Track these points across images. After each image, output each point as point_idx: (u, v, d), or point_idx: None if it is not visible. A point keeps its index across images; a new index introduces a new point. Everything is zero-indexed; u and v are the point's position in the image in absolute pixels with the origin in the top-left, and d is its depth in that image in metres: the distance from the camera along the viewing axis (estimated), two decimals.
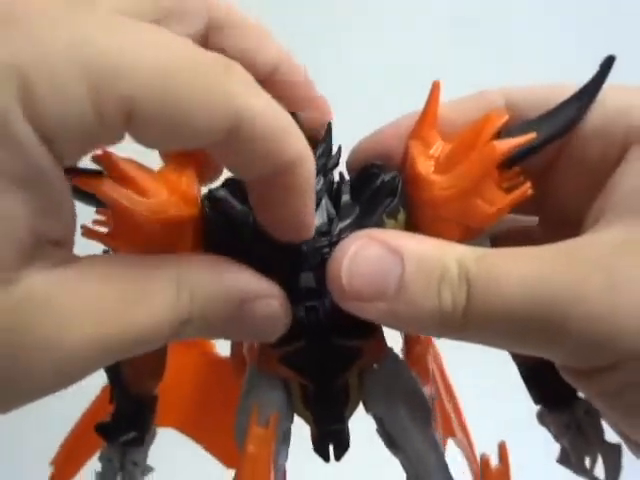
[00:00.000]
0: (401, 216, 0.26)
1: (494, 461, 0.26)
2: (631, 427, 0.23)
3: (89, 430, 0.32)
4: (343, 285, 0.23)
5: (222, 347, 0.39)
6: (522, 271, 0.22)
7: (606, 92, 0.26)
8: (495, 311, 0.22)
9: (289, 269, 0.25)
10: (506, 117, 0.26)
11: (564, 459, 0.33)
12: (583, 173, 0.27)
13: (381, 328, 0.29)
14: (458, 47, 0.64)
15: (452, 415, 0.36)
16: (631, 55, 0.27)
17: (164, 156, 0.28)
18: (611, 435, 0.29)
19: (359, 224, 0.26)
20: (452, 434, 0.37)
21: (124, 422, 0.30)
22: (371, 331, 0.28)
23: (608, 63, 0.26)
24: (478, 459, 0.28)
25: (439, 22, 0.65)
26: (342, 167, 0.29)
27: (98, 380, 0.31)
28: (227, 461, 0.39)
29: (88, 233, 0.26)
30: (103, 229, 0.26)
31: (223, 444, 0.38)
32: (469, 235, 0.27)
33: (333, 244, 0.25)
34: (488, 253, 0.23)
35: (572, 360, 0.23)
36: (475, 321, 0.22)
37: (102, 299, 0.20)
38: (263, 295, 0.24)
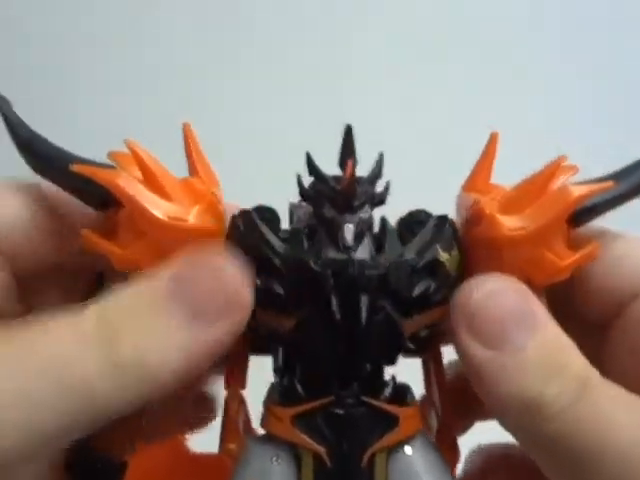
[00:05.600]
0: (455, 253, 0.23)
1: None
2: None
3: None
4: (465, 315, 0.21)
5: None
6: None
7: None
8: (600, 433, 0.20)
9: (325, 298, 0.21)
10: (577, 167, 0.24)
11: None
12: None
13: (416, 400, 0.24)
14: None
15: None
16: None
17: (191, 168, 0.24)
18: None
19: (411, 254, 0.23)
20: None
21: None
22: (410, 397, 0.24)
23: None
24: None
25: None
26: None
27: None
28: None
29: (91, 243, 0.22)
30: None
31: None
32: None
33: (380, 267, 0.22)
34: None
35: None
36: (568, 427, 0.20)
37: None
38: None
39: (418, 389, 0.26)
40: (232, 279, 0.21)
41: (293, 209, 0.26)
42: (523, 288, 0.22)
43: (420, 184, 0.55)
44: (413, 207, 0.25)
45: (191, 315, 0.20)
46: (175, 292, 0.20)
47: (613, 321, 0.24)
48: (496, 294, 0.21)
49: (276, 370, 0.25)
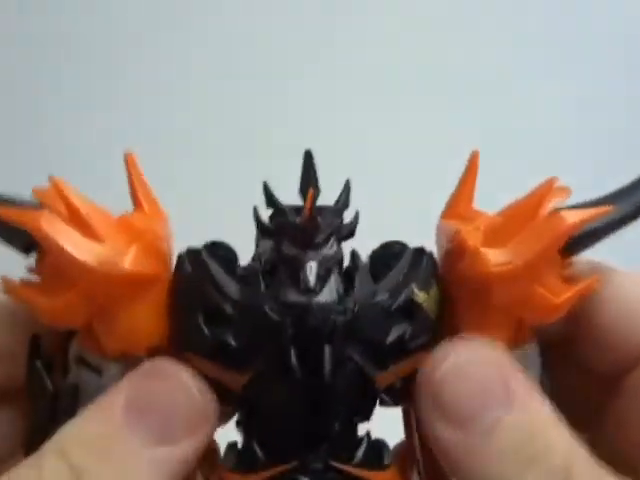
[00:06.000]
0: (433, 291, 0.20)
1: None
2: None
3: None
4: (430, 389, 0.19)
5: None
6: None
7: None
8: None
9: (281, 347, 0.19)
10: (569, 190, 0.21)
11: None
12: None
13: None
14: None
15: None
16: None
17: (134, 202, 0.22)
18: None
19: (383, 294, 0.20)
20: None
21: None
22: (387, 455, 0.21)
23: None
24: None
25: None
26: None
27: None
28: None
29: (12, 292, 0.19)
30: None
31: None
32: (520, 335, 0.20)
33: (347, 311, 0.19)
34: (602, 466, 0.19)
35: None
36: None
37: None
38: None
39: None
40: (193, 395, 0.19)
41: (259, 241, 0.23)
42: (497, 356, 0.19)
43: (404, 207, 0.53)
44: (393, 236, 0.22)
45: (154, 440, 0.18)
46: (133, 419, 0.18)
47: (627, 373, 0.21)
48: (464, 366, 0.19)
49: (239, 422, 0.22)
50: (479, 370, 0.19)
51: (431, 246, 0.22)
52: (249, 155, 0.58)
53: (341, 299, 0.19)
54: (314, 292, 0.19)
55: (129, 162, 0.22)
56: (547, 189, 0.20)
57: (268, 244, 0.21)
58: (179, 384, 0.19)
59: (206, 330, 0.19)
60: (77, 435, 0.18)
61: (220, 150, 0.60)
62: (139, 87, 0.61)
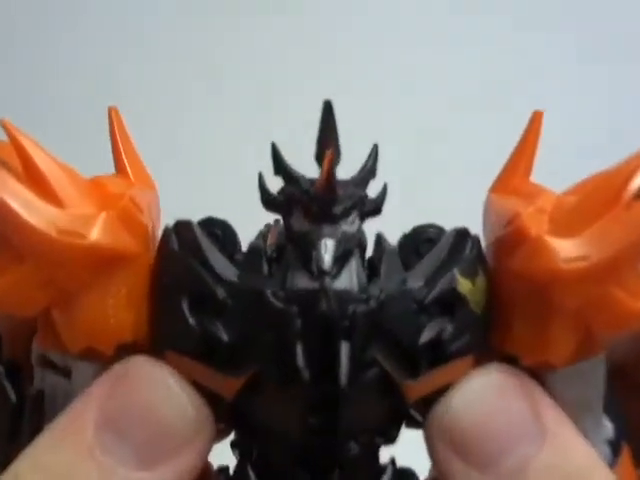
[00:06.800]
0: (480, 281, 0.17)
1: None
2: None
3: None
4: (448, 422, 0.16)
5: None
6: None
7: None
8: None
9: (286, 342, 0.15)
10: None
11: None
12: None
13: None
14: None
15: None
16: None
17: (116, 163, 0.19)
18: None
19: (417, 282, 0.16)
20: None
21: None
22: None
23: None
24: None
25: None
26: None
27: None
28: None
29: None
30: None
31: None
32: (586, 346, 0.17)
33: (371, 300, 0.16)
34: None
35: None
36: None
37: None
38: None
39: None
40: (181, 404, 0.16)
41: (267, 231, 0.19)
42: (525, 385, 0.17)
43: (434, 187, 0.48)
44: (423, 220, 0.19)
45: (133, 463, 0.16)
46: (106, 438, 0.15)
47: None
48: (486, 398, 0.16)
49: (233, 444, 0.19)
50: (501, 400, 0.16)
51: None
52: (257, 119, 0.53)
53: (363, 287, 0.16)
54: (329, 275, 0.15)
55: (113, 117, 0.19)
56: (635, 165, 0.16)
57: (281, 229, 0.18)
58: (162, 391, 0.16)
59: (191, 320, 0.16)
60: (38, 461, 0.15)
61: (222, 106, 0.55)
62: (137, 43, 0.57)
